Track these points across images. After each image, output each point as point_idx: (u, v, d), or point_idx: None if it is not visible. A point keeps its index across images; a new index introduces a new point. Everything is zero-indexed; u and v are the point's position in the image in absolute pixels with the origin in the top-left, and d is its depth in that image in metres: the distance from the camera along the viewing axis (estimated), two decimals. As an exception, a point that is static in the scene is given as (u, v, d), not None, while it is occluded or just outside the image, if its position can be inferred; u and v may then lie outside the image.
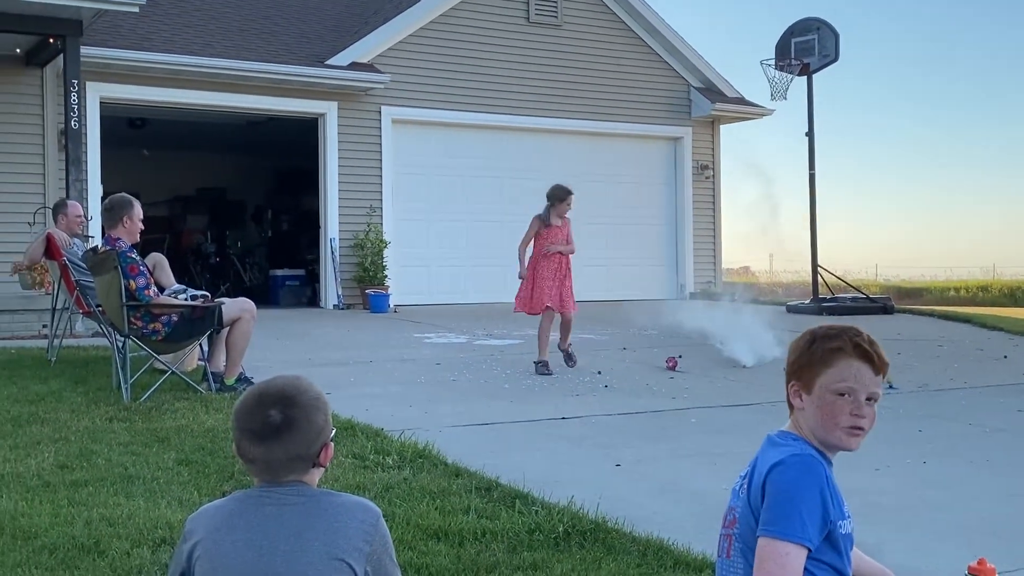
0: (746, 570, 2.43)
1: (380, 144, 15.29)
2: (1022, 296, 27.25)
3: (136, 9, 11.99)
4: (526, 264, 9.32)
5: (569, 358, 9.18)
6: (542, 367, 8.79)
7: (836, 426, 2.45)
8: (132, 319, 6.91)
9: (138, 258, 7.04)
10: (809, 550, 2.31)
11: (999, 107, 70.85)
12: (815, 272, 15.67)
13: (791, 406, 2.56)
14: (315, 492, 2.24)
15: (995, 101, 70.75)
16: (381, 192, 15.29)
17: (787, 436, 2.51)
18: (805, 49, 15.59)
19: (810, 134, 15.76)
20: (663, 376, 8.74)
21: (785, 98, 16.01)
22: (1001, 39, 75.01)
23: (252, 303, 7.47)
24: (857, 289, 16.54)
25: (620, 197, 17.43)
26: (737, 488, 2.53)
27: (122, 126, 16.38)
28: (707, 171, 18.00)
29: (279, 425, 2.18)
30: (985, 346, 11.35)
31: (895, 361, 9.44)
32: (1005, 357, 10.39)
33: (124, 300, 6.84)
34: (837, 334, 2.53)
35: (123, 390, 6.83)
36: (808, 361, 2.54)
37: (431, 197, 15.85)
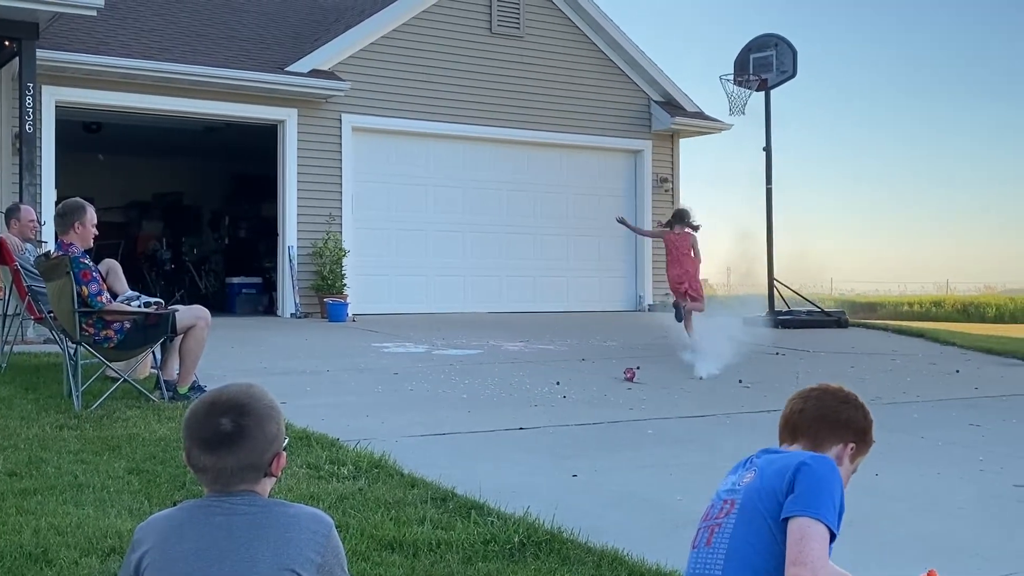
0: (731, 551, 2.47)
1: (340, 152, 15.22)
2: (975, 312, 27.68)
3: (94, 12, 11.87)
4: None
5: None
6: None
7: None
8: (84, 326, 6.82)
9: (91, 264, 6.95)
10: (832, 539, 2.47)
11: (954, 126, 71.95)
12: (771, 286, 15.78)
13: (816, 452, 2.69)
14: (266, 502, 2.21)
15: (950, 120, 71.81)
16: (341, 200, 15.22)
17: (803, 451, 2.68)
18: (763, 65, 15.74)
19: (767, 149, 15.89)
20: (621, 387, 8.76)
21: (743, 113, 16.14)
22: (957, 58, 76.20)
23: (207, 311, 7.39)
24: (812, 303, 16.69)
25: (580, 209, 17.49)
26: (730, 487, 2.63)
27: (77, 130, 16.18)
28: (666, 184, 18.10)
29: (230, 434, 2.16)
30: (938, 360, 11.49)
31: (848, 374, 9.51)
32: (957, 371, 10.52)
33: (76, 306, 6.75)
34: None
35: (74, 397, 6.74)
36: (869, 440, 2.80)
37: (391, 206, 15.81)
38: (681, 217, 11.72)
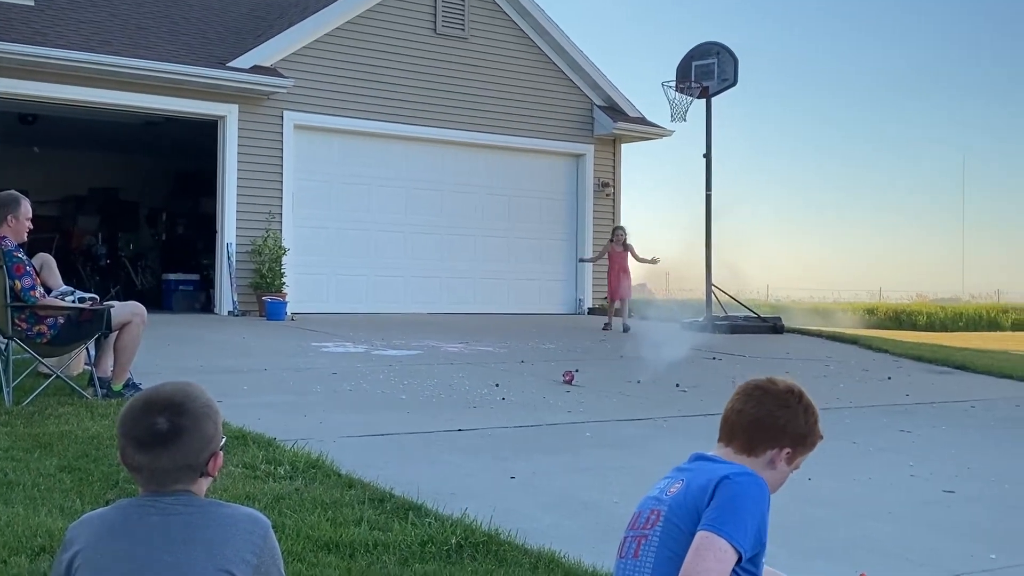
0: (656, 566, 2.49)
1: (281, 149, 15.10)
2: (906, 319, 28.20)
3: (32, 3, 11.68)
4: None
5: (626, 329, 14.26)
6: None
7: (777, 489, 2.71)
8: (16, 320, 6.70)
9: (25, 258, 6.83)
10: (740, 559, 2.41)
11: (889, 135, 73.24)
12: (709, 291, 15.95)
13: (751, 454, 2.68)
14: (202, 502, 2.19)
15: (886, 130, 73.11)
16: (281, 198, 15.09)
17: (731, 463, 2.65)
18: (705, 72, 15.89)
19: (708, 156, 16.07)
20: (559, 390, 8.80)
21: (684, 120, 16.30)
22: (892, 67, 77.63)
23: (142, 307, 7.30)
24: (749, 309, 16.89)
25: (522, 211, 17.54)
26: (656, 495, 2.62)
27: (12, 122, 15.88)
28: (608, 188, 18.22)
29: (166, 433, 2.14)
30: (870, 367, 11.69)
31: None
32: (889, 378, 10.72)
33: (8, 301, 6.63)
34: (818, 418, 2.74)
35: (5, 393, 6.61)
36: (812, 442, 2.73)
37: (332, 205, 15.71)
38: (619, 235, 15.14)
